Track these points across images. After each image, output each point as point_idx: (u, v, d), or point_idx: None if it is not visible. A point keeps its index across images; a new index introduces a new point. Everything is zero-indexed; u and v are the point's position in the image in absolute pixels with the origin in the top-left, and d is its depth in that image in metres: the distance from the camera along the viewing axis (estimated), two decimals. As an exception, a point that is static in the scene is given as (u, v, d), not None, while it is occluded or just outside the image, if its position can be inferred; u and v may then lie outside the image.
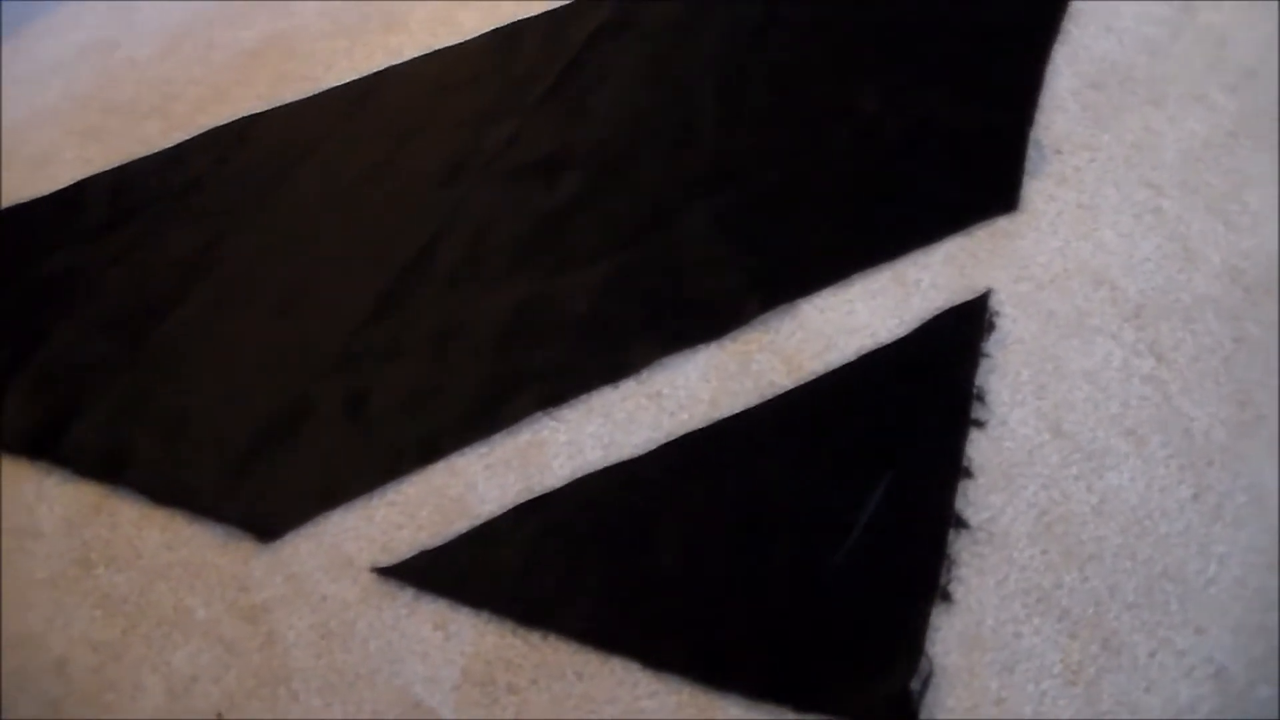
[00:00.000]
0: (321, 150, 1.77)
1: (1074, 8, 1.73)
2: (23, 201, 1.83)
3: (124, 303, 1.61)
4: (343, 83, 1.90)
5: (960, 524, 1.23)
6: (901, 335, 1.40)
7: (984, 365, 1.35)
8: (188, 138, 1.87)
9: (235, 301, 1.58)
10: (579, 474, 1.33)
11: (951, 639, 1.16)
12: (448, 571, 1.27)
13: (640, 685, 1.17)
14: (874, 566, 1.21)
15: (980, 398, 1.32)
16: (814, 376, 1.37)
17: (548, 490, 1.32)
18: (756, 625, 1.19)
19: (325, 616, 1.26)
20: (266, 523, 1.33)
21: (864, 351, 1.39)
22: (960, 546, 1.22)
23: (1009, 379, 1.34)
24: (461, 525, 1.31)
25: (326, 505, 1.34)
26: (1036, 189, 1.52)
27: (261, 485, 1.37)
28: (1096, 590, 1.18)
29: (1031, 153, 1.55)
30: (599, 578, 1.24)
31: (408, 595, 1.26)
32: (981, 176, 1.54)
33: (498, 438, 1.37)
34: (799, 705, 1.13)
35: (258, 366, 1.49)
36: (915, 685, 1.12)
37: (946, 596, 1.18)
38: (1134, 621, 1.15)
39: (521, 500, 1.31)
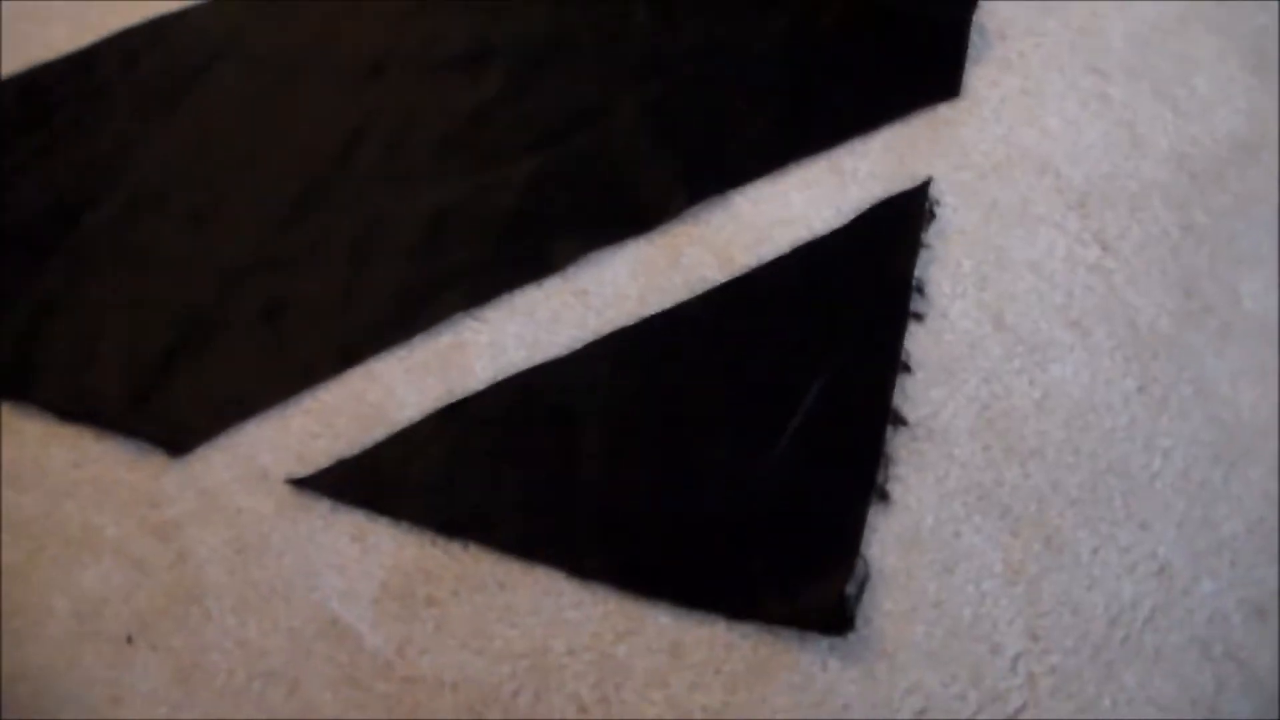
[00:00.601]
0: (237, 49, 1.68)
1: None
2: (-78, 109, 1.74)
3: (30, 213, 1.52)
4: (259, -21, 1.81)
5: (898, 421, 1.18)
6: (838, 226, 1.34)
7: (923, 256, 1.30)
8: (97, 40, 1.78)
9: (147, 208, 1.50)
10: (502, 375, 1.27)
11: (889, 540, 1.12)
12: (365, 481, 1.21)
13: (565, 595, 1.12)
14: (809, 467, 1.16)
15: (920, 290, 1.27)
16: (746, 270, 1.32)
17: (469, 393, 1.26)
18: (686, 531, 1.14)
19: (239, 531, 1.20)
20: (177, 436, 1.27)
21: (798, 243, 1.33)
22: (898, 444, 1.17)
23: (949, 270, 1.29)
24: (380, 432, 1.25)
25: (240, 416, 1.28)
26: (979, 75, 1.46)
27: (172, 397, 1.30)
28: (1039, 487, 1.14)
29: (974, 38, 1.49)
30: (522, 484, 1.19)
31: (324, 507, 1.20)
32: (922, 62, 1.47)
33: (418, 340, 1.31)
34: (731, 613, 1.09)
35: (170, 274, 1.42)
36: (851, 589, 1.08)
37: (884, 496, 1.14)
38: (1077, 518, 1.12)
39: (442, 404, 1.26)
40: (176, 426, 1.28)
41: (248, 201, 1.48)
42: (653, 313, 1.29)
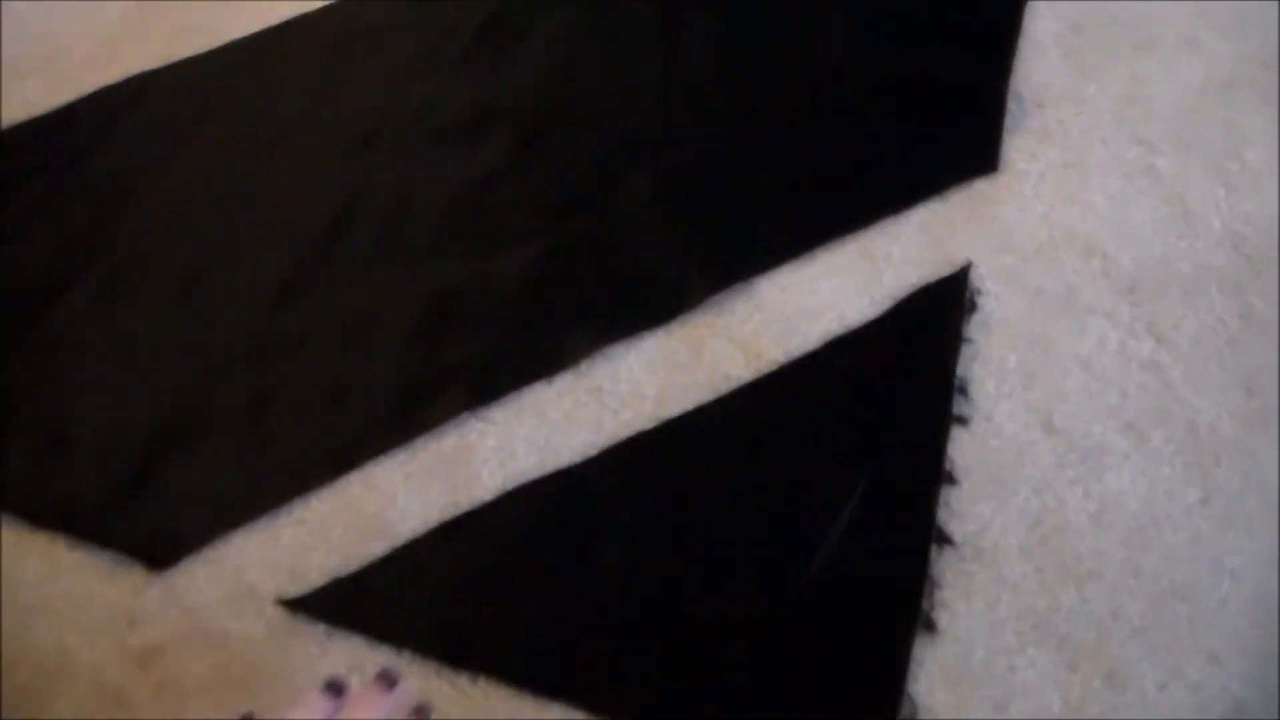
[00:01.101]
0: (222, 113, 1.58)
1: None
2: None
3: (-1, 292, 1.43)
4: (246, 35, 1.70)
5: (944, 539, 1.09)
6: (872, 317, 1.24)
7: (965, 351, 1.20)
8: (75, 99, 1.68)
9: (126, 289, 1.40)
10: (511, 484, 1.17)
11: (936, 674, 1.02)
12: (363, 603, 1.11)
13: (586, 738, 1.03)
14: (847, 592, 1.07)
15: (963, 390, 1.18)
16: (775, 366, 1.22)
17: (476, 504, 1.16)
18: (715, 664, 1.05)
19: (226, 658, 1.10)
20: (159, 548, 1.17)
21: (830, 336, 1.23)
22: (944, 565, 1.08)
23: (994, 367, 1.19)
24: (379, 547, 1.15)
25: (227, 526, 1.18)
26: (1017, 147, 1.36)
27: (153, 504, 1.20)
28: (1098, 613, 1.04)
29: (1011, 106, 1.39)
30: (535, 609, 1.09)
31: (319, 631, 1.11)
32: (957, 134, 1.38)
33: (419, 443, 1.21)
34: (762, 761, 1.00)
35: (150, 366, 1.32)
36: (897, 732, 0.99)
37: (930, 625, 1.05)
38: (1141, 649, 1.02)
39: (447, 516, 1.16)
40: (157, 537, 1.18)
41: (233, 282, 1.38)
42: (674, 414, 1.19)
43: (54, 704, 1.10)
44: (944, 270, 1.26)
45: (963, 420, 1.16)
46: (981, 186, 1.33)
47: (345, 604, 1.11)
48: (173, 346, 1.33)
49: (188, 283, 1.38)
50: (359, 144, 1.49)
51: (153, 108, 1.61)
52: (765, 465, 1.15)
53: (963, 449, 1.14)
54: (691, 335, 1.25)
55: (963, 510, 1.11)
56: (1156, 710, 0.99)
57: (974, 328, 1.22)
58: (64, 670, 1.11)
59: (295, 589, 1.13)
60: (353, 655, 1.09)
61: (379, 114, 1.52)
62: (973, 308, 1.23)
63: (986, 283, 1.25)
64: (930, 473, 1.12)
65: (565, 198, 1.38)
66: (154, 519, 1.20)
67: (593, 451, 1.18)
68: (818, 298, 1.26)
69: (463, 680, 1.06)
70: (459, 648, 1.07)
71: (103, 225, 1.46)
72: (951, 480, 1.12)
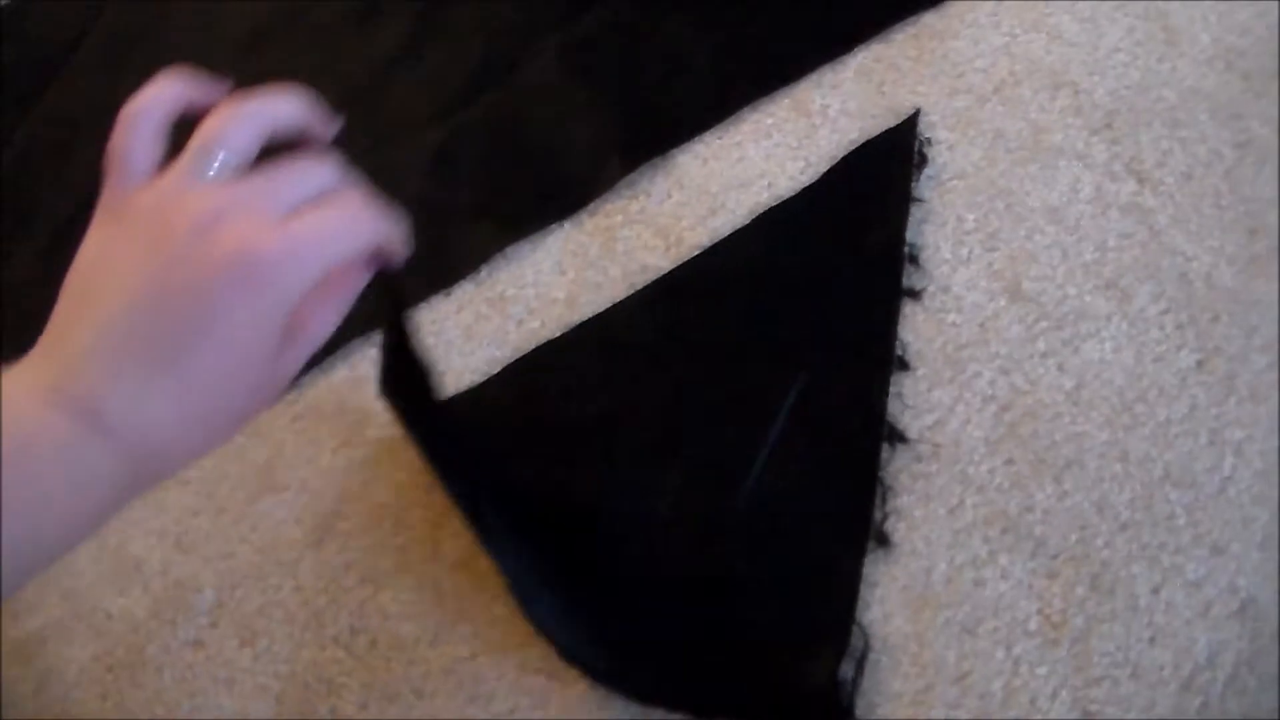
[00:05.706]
0: (101, 23, 1.44)
1: None
2: None
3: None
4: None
5: (896, 437, 0.94)
6: (808, 183, 1.09)
7: (915, 214, 1.05)
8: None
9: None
10: (407, 419, 1.04)
11: (893, 597, 0.89)
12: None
13: (495, 700, 0.91)
14: (784, 510, 0.93)
15: (913, 259, 1.02)
16: (697, 251, 1.07)
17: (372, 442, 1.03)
18: (632, 604, 0.92)
19: (110, 643, 0.99)
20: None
21: (760, 209, 1.08)
22: (898, 467, 0.94)
23: (949, 228, 1.04)
24: (269, 504, 1.02)
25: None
26: (970, -31, 1.19)
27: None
28: (1079, 509, 0.90)
29: (958, -79, 1.22)
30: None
31: (207, 602, 0.99)
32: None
33: (307, 380, 1.08)
34: (696, 710, 0.87)
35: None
36: (847, 669, 0.86)
37: (883, 539, 0.91)
38: (1130, 547, 0.88)
39: (339, 465, 1.03)
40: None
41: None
42: (586, 317, 1.05)
43: (-70, 709, 0.99)
44: (889, 121, 1.10)
45: (915, 294, 1.01)
46: (930, 20, 1.16)
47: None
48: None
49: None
50: (244, 44, 1.33)
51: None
52: (689, 368, 1.01)
53: (916, 328, 0.99)
54: (603, 225, 1.10)
55: (918, 400, 0.96)
56: (1151, 615, 0.86)
57: (924, 185, 1.06)
58: (-60, 669, 1.01)
59: (182, 559, 1.01)
60: (243, 627, 0.97)
61: (264, 13, 1.36)
62: (922, 161, 1.07)
63: (938, 131, 1.09)
64: (879, 358, 0.97)
65: (467, 80, 1.22)
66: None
67: (495, 369, 1.04)
68: (744, 166, 1.11)
69: (359, 645, 0.95)
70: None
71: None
72: (904, 366, 0.98)
